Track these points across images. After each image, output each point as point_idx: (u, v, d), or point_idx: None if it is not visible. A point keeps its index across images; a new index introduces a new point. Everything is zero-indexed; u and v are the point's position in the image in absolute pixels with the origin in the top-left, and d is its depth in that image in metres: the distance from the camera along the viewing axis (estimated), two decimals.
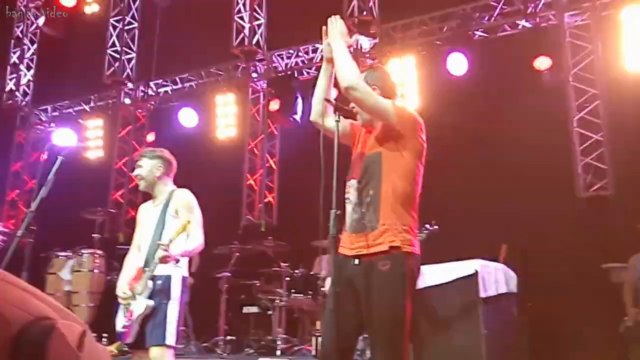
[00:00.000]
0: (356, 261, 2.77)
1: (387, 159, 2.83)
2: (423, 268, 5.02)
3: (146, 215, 4.04)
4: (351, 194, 2.89)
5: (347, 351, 2.83)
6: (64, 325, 1.24)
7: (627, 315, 5.51)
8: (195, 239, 3.79)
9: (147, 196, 4.12)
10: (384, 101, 2.87)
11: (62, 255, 7.64)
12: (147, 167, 4.03)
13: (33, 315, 1.22)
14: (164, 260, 3.62)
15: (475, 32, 7.94)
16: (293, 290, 6.70)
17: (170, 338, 3.63)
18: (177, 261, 3.73)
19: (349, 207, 2.89)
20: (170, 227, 3.78)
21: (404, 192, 2.80)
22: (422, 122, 2.95)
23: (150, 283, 3.70)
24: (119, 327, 3.80)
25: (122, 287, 3.81)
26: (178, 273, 3.80)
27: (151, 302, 3.67)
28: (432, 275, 5.05)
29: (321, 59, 9.39)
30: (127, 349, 3.81)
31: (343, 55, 2.90)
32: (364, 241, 2.76)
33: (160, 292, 3.72)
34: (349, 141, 3.07)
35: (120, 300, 3.81)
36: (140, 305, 3.68)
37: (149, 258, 3.79)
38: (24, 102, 11.22)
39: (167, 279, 3.76)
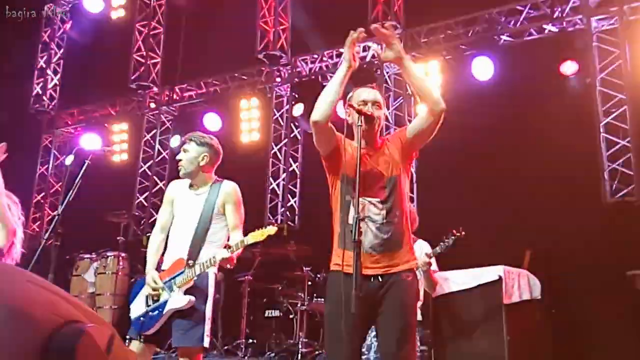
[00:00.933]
0: (379, 279, 2.84)
1: (403, 182, 2.99)
2: (447, 273, 5.00)
3: (183, 199, 3.74)
4: (374, 212, 2.90)
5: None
6: (93, 328, 1.26)
7: None
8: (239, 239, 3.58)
9: None
10: None
11: (86, 258, 7.76)
12: (192, 153, 3.72)
13: (63, 318, 1.24)
14: (226, 263, 3.43)
15: (501, 37, 7.88)
16: (315, 295, 6.70)
17: (207, 340, 3.47)
18: (232, 265, 3.54)
19: (369, 225, 2.87)
20: (217, 223, 3.59)
21: (409, 211, 3.04)
22: None
23: (193, 281, 3.47)
24: (136, 314, 3.58)
25: (153, 276, 3.58)
26: (212, 271, 3.59)
27: (193, 299, 3.45)
28: (457, 280, 5.02)
29: None
30: (129, 337, 3.57)
31: (424, 75, 2.92)
32: (390, 260, 2.86)
33: (198, 291, 3.51)
34: (327, 145, 3.05)
35: (148, 289, 3.57)
36: (180, 300, 3.46)
37: (194, 248, 3.55)
38: (50, 106, 11.42)
39: (205, 277, 3.55)
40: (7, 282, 1.19)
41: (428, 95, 2.90)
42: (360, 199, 2.79)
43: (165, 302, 3.51)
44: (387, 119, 8.59)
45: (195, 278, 3.49)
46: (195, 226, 3.62)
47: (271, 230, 3.51)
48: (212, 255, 3.48)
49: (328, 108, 2.90)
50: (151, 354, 3.69)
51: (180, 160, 3.75)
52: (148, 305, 3.58)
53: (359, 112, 2.93)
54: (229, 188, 3.72)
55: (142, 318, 3.56)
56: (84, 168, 3.64)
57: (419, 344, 4.42)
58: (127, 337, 3.61)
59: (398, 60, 2.88)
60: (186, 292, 3.50)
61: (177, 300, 3.48)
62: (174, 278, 3.55)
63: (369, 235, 2.85)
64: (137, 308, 3.61)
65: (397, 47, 2.84)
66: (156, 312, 3.53)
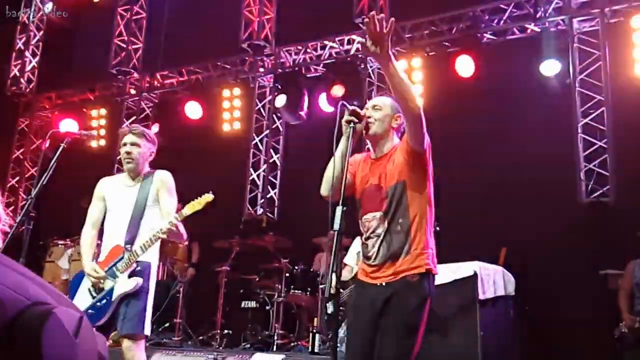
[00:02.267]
0: (383, 283, 2.89)
1: (411, 187, 2.92)
2: None
3: (116, 193, 3.82)
4: (376, 225, 2.94)
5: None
6: (60, 310, 1.24)
7: (622, 321, 5.51)
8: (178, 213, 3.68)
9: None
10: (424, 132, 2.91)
11: (60, 244, 7.66)
12: (144, 149, 3.83)
13: (30, 299, 1.21)
14: (171, 233, 3.49)
15: (484, 35, 7.92)
16: (292, 287, 6.69)
17: (148, 328, 3.59)
18: (183, 241, 3.73)
19: (373, 240, 2.95)
20: (152, 210, 3.67)
21: (427, 214, 2.94)
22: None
23: (134, 263, 3.57)
24: (83, 306, 3.58)
25: (90, 265, 3.62)
26: (155, 261, 3.72)
27: (140, 280, 3.54)
28: None
29: (329, 56, 9.35)
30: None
31: (402, 73, 2.82)
32: (393, 268, 2.88)
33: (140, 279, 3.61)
34: (351, 190, 3.10)
35: (92, 280, 3.60)
36: (127, 283, 3.53)
37: (131, 234, 3.63)
38: (28, 89, 11.18)
39: (147, 266, 3.66)
40: None
41: (402, 96, 2.82)
42: (367, 215, 2.98)
43: (112, 289, 3.56)
44: None
45: (138, 260, 3.56)
46: (131, 214, 3.69)
47: (208, 197, 3.57)
48: (153, 231, 3.53)
49: (334, 183, 2.85)
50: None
51: (130, 152, 3.78)
52: (93, 297, 3.61)
53: (352, 113, 2.93)
54: (163, 176, 3.81)
55: (90, 310, 3.58)
56: (58, 151, 3.59)
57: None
58: None
59: (383, 58, 2.74)
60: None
61: (124, 284, 3.54)
62: (114, 265, 3.60)
63: (374, 248, 2.93)
64: (82, 302, 3.61)
65: (385, 45, 2.69)
66: (104, 301, 3.57)
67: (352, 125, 2.91)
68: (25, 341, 1.13)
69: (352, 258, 4.99)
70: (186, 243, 7.70)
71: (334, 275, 2.52)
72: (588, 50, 7.12)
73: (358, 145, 3.09)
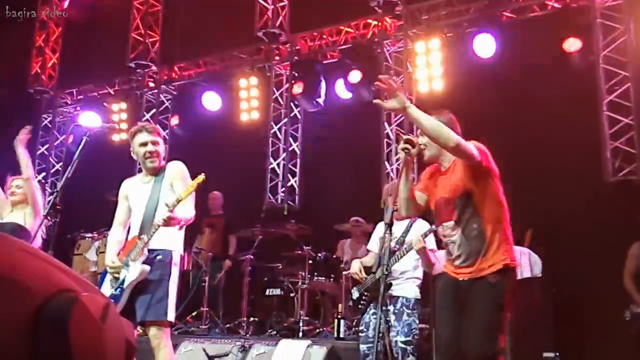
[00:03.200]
0: (465, 278, 3.16)
1: (478, 194, 3.15)
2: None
3: (134, 190, 3.92)
4: (452, 234, 3.20)
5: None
6: (87, 297, 1.24)
7: (633, 303, 5.43)
8: (189, 209, 3.72)
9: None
10: (472, 146, 3.10)
11: (88, 237, 7.76)
12: (162, 147, 3.95)
13: (56, 287, 1.22)
14: (168, 221, 3.50)
15: (504, 13, 7.78)
16: (315, 273, 6.70)
17: (172, 314, 3.64)
18: (181, 227, 3.67)
19: (451, 246, 3.23)
20: (169, 197, 3.68)
21: (500, 215, 3.17)
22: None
23: (145, 250, 3.63)
24: None
25: (110, 257, 3.74)
26: (178, 249, 3.79)
27: (147, 267, 3.60)
28: None
29: (345, 41, 9.30)
30: None
31: (430, 119, 3.04)
32: (475, 266, 3.12)
33: (161, 267, 3.67)
34: (427, 203, 3.41)
35: (108, 270, 3.73)
36: (135, 270, 3.60)
37: (144, 226, 3.70)
38: (49, 85, 11.31)
39: (169, 254, 3.72)
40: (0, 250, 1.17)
41: (436, 141, 3.07)
42: (442, 225, 3.27)
43: (124, 279, 3.64)
44: (387, 97, 8.50)
45: (145, 249, 3.62)
46: (145, 207, 3.76)
47: (199, 178, 3.59)
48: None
49: (407, 204, 3.28)
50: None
51: (153, 151, 3.84)
52: (112, 287, 3.70)
53: (406, 141, 3.17)
54: (175, 166, 3.88)
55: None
56: (82, 145, 3.62)
57: (416, 322, 4.43)
58: None
59: (402, 109, 3.00)
60: (150, 270, 3.63)
61: (132, 271, 3.60)
62: (129, 254, 3.67)
63: (454, 253, 3.21)
64: (104, 291, 3.69)
65: (401, 98, 2.95)
66: (118, 290, 3.65)
67: (406, 151, 3.15)
68: (53, 327, 1.14)
69: (375, 244, 4.97)
70: (207, 233, 7.76)
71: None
72: (611, 26, 6.96)
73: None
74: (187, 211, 3.68)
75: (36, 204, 4.46)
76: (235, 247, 7.86)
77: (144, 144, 3.84)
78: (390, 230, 3.01)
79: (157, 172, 3.88)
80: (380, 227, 5.10)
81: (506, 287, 3.10)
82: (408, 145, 3.15)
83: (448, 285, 3.28)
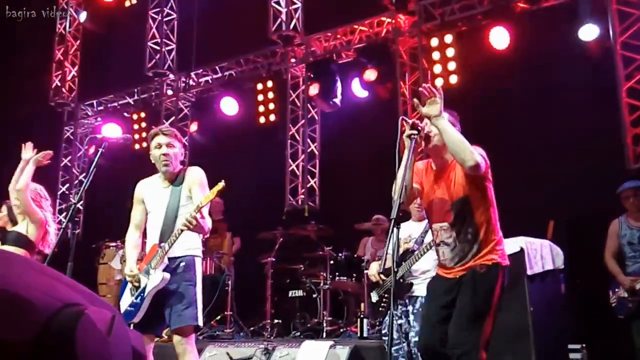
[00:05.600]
0: (456, 277, 3.18)
1: (475, 199, 3.18)
2: None
3: (154, 194, 3.88)
4: (445, 236, 3.21)
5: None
6: (93, 311, 1.27)
7: (616, 287, 5.28)
8: (207, 220, 3.71)
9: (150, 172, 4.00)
10: (481, 161, 3.08)
11: (112, 246, 7.86)
12: (178, 149, 3.89)
13: (62, 301, 1.25)
14: (191, 224, 3.47)
15: (518, 4, 7.70)
16: (337, 273, 6.71)
17: (200, 319, 3.66)
18: (204, 234, 3.69)
19: (443, 248, 3.23)
20: (186, 208, 3.69)
21: (491, 217, 3.19)
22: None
23: (166, 259, 3.63)
24: (125, 306, 3.71)
25: (130, 266, 3.74)
26: (199, 256, 3.81)
27: (167, 275, 3.60)
28: None
29: (359, 40, 9.29)
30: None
31: (456, 133, 3.09)
32: (466, 266, 3.15)
33: (185, 274, 3.68)
34: (419, 197, 3.43)
35: (127, 279, 3.74)
36: (156, 278, 3.59)
37: (164, 233, 3.68)
38: (70, 98, 11.51)
39: (191, 261, 3.73)
40: (4, 267, 1.20)
41: (456, 155, 3.07)
42: (435, 225, 3.29)
43: (145, 286, 3.63)
44: (403, 94, 8.52)
45: (165, 257, 3.62)
46: (164, 214, 3.74)
47: (219, 186, 3.56)
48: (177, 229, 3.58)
49: (406, 192, 3.10)
50: (151, 342, 3.78)
51: (167, 154, 3.81)
52: (132, 295, 3.71)
53: (412, 126, 3.11)
54: (194, 172, 3.84)
55: (129, 308, 3.68)
56: (97, 156, 3.68)
57: None
58: None
59: (435, 117, 3.07)
60: (174, 278, 3.64)
61: (153, 279, 3.60)
62: (150, 262, 3.67)
63: (446, 255, 3.22)
64: (125, 301, 3.74)
65: (437, 107, 3.06)
66: (139, 298, 3.65)
67: (413, 138, 3.08)
68: (59, 343, 1.17)
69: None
70: (228, 237, 7.83)
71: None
72: (627, 11, 6.85)
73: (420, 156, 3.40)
74: (205, 220, 3.68)
75: (32, 213, 4.42)
76: (239, 247, 7.91)
77: (159, 147, 3.83)
78: (398, 226, 2.88)
79: (174, 177, 3.85)
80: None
81: (493, 281, 3.10)
82: (414, 132, 3.09)
83: (438, 284, 3.30)
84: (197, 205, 3.53)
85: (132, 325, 3.68)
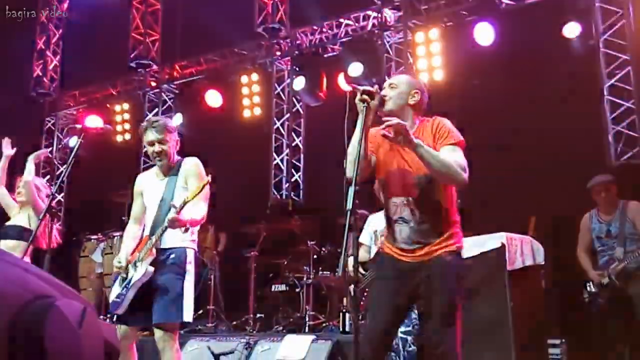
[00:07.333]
0: (415, 262, 2.91)
1: None
2: None
3: (149, 187, 3.84)
4: (406, 212, 2.92)
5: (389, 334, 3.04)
6: (63, 303, 1.25)
7: (588, 282, 5.31)
8: (200, 210, 3.58)
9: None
10: (463, 167, 2.85)
11: (93, 239, 7.80)
12: (171, 142, 3.77)
13: (32, 293, 1.22)
14: (173, 223, 3.38)
15: (502, 1, 7.73)
16: (320, 268, 6.72)
17: (188, 314, 3.52)
18: (187, 229, 3.50)
19: (401, 226, 2.94)
20: (181, 197, 3.57)
21: (454, 197, 2.99)
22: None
23: (154, 250, 3.54)
24: (113, 296, 3.64)
25: (120, 256, 3.67)
26: (192, 247, 3.68)
27: (151, 269, 3.50)
28: None
29: (345, 34, 9.23)
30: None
31: (439, 156, 2.80)
32: (424, 250, 2.90)
33: (174, 266, 3.57)
34: (373, 169, 3.08)
35: (115, 270, 3.69)
36: (140, 270, 3.51)
37: (155, 225, 3.61)
38: (51, 88, 11.35)
39: (182, 252, 3.61)
40: None
41: (444, 181, 2.89)
42: (394, 199, 2.96)
43: (131, 278, 3.56)
44: None
45: (154, 249, 3.53)
46: (158, 206, 3.67)
47: (205, 180, 3.50)
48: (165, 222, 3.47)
49: (359, 165, 2.74)
50: (134, 336, 3.72)
51: (160, 152, 3.73)
52: (120, 286, 3.62)
53: (363, 92, 2.83)
54: (189, 163, 3.76)
55: (115, 299, 3.61)
56: (76, 146, 3.62)
57: (415, 315, 4.40)
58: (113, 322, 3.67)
59: (409, 146, 2.77)
60: (162, 271, 3.54)
61: (138, 272, 3.52)
62: (139, 254, 3.60)
63: (403, 234, 2.93)
64: (114, 292, 3.66)
65: (405, 138, 2.72)
66: (124, 290, 3.56)
67: (365, 104, 2.82)
68: (28, 334, 1.15)
69: (369, 236, 4.96)
70: (211, 231, 7.78)
71: (350, 258, 2.50)
72: (611, 9, 6.91)
73: (374, 124, 2.99)
74: (196, 212, 3.54)
75: (37, 205, 4.50)
76: (225, 243, 7.88)
77: (151, 144, 3.76)
78: (353, 214, 2.54)
79: (169, 169, 3.79)
80: (372, 219, 5.08)
81: (460, 269, 2.95)
82: (366, 97, 2.81)
83: (387, 265, 2.99)
84: (183, 200, 3.43)
85: (116, 316, 3.61)
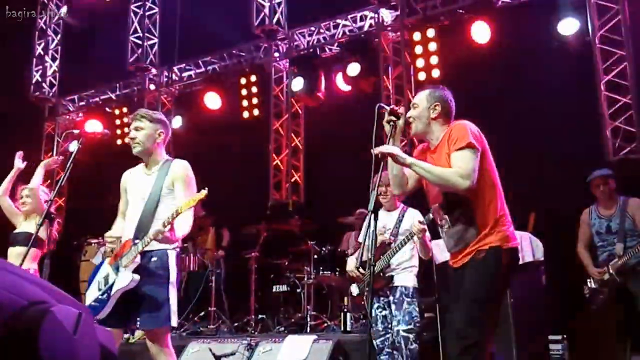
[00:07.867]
0: (458, 265, 3.06)
1: None
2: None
3: (135, 183, 3.71)
4: (440, 216, 3.11)
5: None
6: (59, 309, 1.26)
7: (588, 278, 5.29)
8: (187, 220, 3.46)
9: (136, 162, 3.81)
10: (467, 171, 2.92)
11: (93, 243, 7.82)
12: (147, 130, 3.64)
13: (27, 299, 1.24)
14: (158, 237, 3.29)
15: None
16: (321, 268, 6.72)
17: (174, 318, 3.45)
18: (171, 242, 3.42)
19: (442, 232, 3.14)
20: (166, 202, 3.51)
21: (490, 197, 3.01)
22: (477, 131, 3.13)
23: (138, 258, 3.40)
24: (90, 299, 3.48)
25: (111, 232, 3.57)
26: (174, 250, 3.55)
27: (137, 277, 3.37)
28: None
29: (343, 35, 9.24)
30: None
31: (434, 170, 2.96)
32: (463, 253, 3.01)
33: (157, 270, 3.46)
34: (419, 183, 3.24)
35: (99, 275, 3.53)
36: (124, 278, 3.38)
37: (139, 231, 3.47)
38: (50, 93, 11.38)
39: (164, 254, 3.49)
40: None
41: (445, 187, 2.98)
42: (432, 207, 3.19)
43: (113, 284, 3.44)
44: (387, 88, 8.53)
45: (138, 256, 3.40)
46: (144, 205, 3.55)
47: (201, 194, 3.36)
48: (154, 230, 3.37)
49: (397, 181, 3.18)
50: (119, 337, 3.68)
51: (134, 138, 3.65)
52: (99, 290, 3.51)
53: (391, 112, 3.06)
54: (178, 166, 3.65)
55: (93, 303, 3.48)
56: (74, 151, 3.62)
57: (416, 310, 4.41)
58: None
59: (404, 166, 3.02)
60: (146, 274, 3.42)
61: (122, 280, 3.40)
62: (121, 259, 3.46)
63: (445, 240, 3.12)
64: (91, 294, 3.53)
65: (398, 159, 2.95)
66: (105, 295, 3.45)
67: (392, 124, 3.05)
68: (23, 341, 1.16)
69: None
70: (212, 232, 7.79)
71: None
72: (606, 5, 6.91)
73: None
74: (184, 224, 3.44)
75: (43, 212, 4.52)
76: (229, 238, 7.88)
77: (129, 131, 3.71)
78: (376, 217, 2.78)
79: (154, 164, 3.67)
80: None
81: (491, 268, 2.91)
82: (393, 117, 3.04)
83: (449, 274, 3.19)
84: (174, 212, 3.32)
85: (96, 320, 3.44)
